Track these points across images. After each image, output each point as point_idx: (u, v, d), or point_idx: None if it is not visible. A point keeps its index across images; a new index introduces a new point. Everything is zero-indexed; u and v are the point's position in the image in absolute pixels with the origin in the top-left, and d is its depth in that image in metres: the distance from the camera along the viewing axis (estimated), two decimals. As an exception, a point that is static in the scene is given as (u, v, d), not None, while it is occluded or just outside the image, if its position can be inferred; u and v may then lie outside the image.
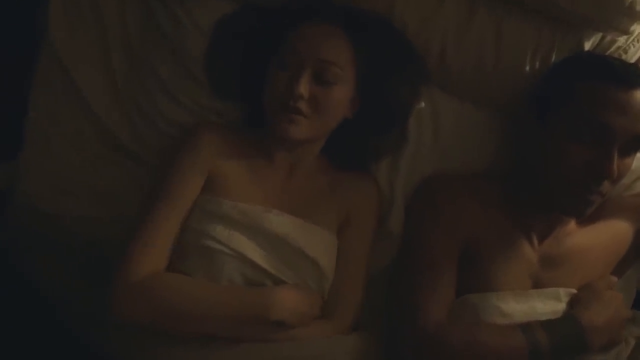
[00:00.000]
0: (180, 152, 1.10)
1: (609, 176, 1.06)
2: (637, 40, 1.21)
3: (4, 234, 1.21)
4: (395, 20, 1.16)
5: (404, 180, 1.21)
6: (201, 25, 1.19)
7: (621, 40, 1.20)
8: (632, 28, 1.16)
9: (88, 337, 1.11)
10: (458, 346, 1.04)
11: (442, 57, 1.18)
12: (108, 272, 1.01)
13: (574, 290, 1.14)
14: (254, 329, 1.03)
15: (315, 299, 1.09)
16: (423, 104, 1.21)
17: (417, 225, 1.18)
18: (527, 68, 1.18)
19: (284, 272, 1.07)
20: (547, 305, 1.11)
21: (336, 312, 1.10)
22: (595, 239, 1.19)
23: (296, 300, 1.06)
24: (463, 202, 1.16)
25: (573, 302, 1.12)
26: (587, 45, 1.19)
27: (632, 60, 1.21)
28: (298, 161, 1.16)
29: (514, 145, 1.22)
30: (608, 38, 1.19)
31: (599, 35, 1.20)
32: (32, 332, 1.14)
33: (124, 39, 1.23)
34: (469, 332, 1.06)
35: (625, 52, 1.20)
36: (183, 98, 1.20)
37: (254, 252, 1.07)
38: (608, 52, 1.20)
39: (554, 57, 1.17)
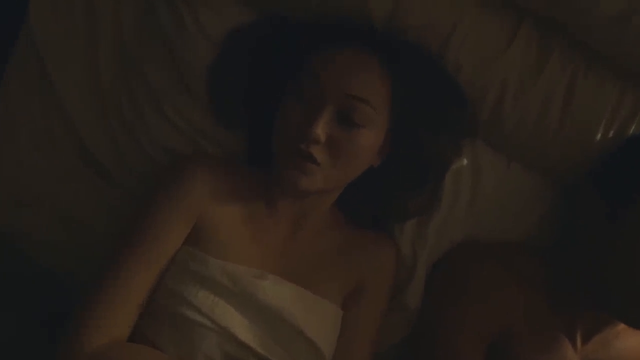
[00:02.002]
0: (162, 192, 0.90)
1: None
2: None
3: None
4: (448, 59, 0.96)
5: (430, 247, 1.04)
6: (210, 33, 0.99)
7: None
8: None
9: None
10: None
11: (497, 109, 0.98)
12: (67, 315, 0.84)
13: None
14: None
15: (308, 385, 0.90)
16: (465, 162, 1.02)
17: (439, 303, 1.01)
18: (599, 136, 0.98)
19: (275, 351, 0.88)
20: None
21: (332, 399, 0.92)
22: None
23: (285, 390, 0.87)
24: (497, 281, 0.98)
25: None
26: (677, 119, 0.99)
27: None
28: (306, 214, 0.96)
29: (565, 220, 1.04)
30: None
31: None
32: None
33: (116, 35, 1.04)
34: None
35: None
36: (176, 117, 1.01)
37: (241, 327, 0.87)
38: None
39: (633, 128, 0.98)
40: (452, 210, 1.03)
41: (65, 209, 1.04)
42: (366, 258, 0.99)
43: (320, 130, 0.85)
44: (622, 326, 1.00)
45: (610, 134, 0.98)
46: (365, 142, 0.89)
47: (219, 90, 0.99)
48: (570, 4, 0.90)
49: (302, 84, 0.88)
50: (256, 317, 0.88)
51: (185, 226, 0.90)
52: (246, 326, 0.87)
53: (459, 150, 1.01)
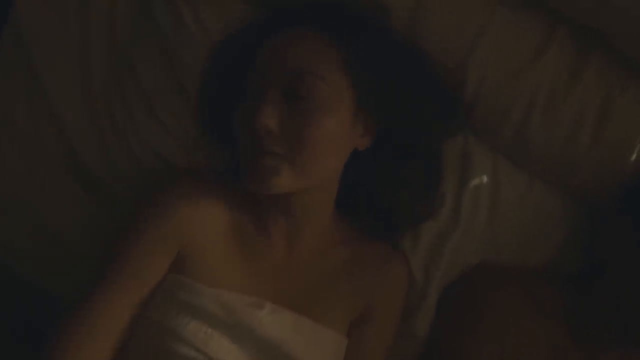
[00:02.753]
0: (144, 217, 0.81)
1: None
2: None
3: None
4: (471, 70, 0.88)
5: (444, 269, 0.95)
6: (212, 32, 0.91)
7: None
8: None
9: None
10: None
11: (524, 124, 0.90)
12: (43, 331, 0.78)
13: None
14: None
15: None
16: (485, 178, 0.94)
17: (452, 333, 0.94)
18: (633, 157, 0.89)
19: (274, 386, 0.80)
20: None
21: None
22: None
23: None
24: (517, 311, 0.91)
25: None
26: None
27: None
28: (300, 227, 0.86)
29: (590, 245, 0.97)
30: None
31: None
32: None
33: (110, 33, 0.97)
34: None
35: None
36: (169, 121, 0.94)
37: None
38: None
39: (672, 149, 0.90)
40: (469, 228, 0.95)
41: (48, 217, 0.98)
42: (374, 276, 0.90)
43: (267, 117, 0.75)
44: (649, 362, 0.92)
45: (645, 155, 0.89)
46: (322, 116, 0.77)
47: (207, 101, 0.90)
48: (616, 10, 0.81)
49: (248, 80, 0.80)
50: (253, 349, 0.80)
51: (169, 253, 0.81)
52: None
53: (448, 131, 0.91)
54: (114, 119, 0.95)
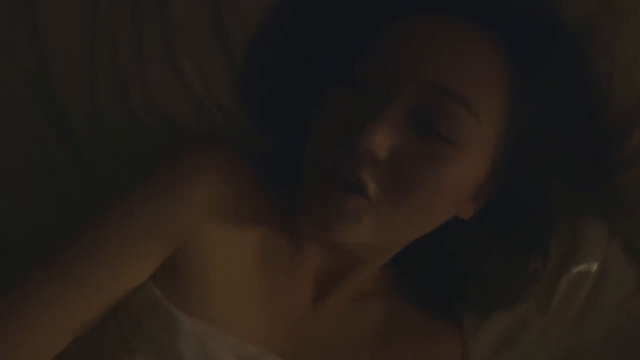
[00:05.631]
0: (140, 193, 0.57)
1: None
2: None
3: None
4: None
5: None
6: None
7: None
8: None
9: None
10: None
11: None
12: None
13: None
14: None
15: None
16: (595, 267, 0.75)
17: None
18: None
19: None
20: None
21: None
22: None
23: None
24: None
25: None
26: None
27: None
28: (339, 274, 0.65)
29: None
30: None
31: None
32: None
33: None
34: None
35: None
36: (193, 75, 0.71)
37: None
38: None
39: None
40: (555, 321, 0.76)
41: (8, 170, 0.76)
42: (416, 352, 0.71)
43: (382, 136, 0.53)
44: None
45: None
46: (451, 166, 0.55)
47: (258, 76, 0.70)
48: None
49: (362, 66, 0.57)
50: None
51: (162, 252, 0.57)
52: None
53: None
54: (115, 57, 0.72)
